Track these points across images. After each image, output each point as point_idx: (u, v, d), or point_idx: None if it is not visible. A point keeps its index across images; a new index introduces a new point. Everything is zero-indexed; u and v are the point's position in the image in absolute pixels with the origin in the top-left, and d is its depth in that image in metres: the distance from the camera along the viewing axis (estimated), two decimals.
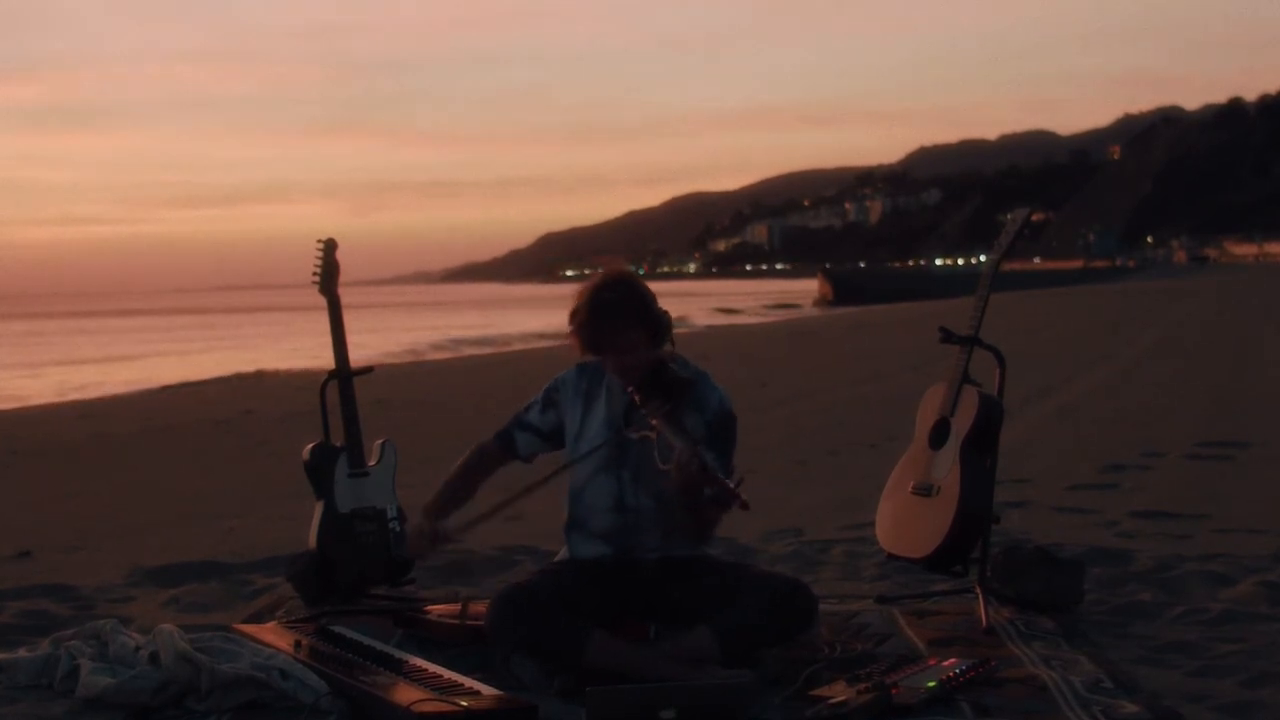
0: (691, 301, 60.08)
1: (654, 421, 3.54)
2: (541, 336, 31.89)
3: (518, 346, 28.50)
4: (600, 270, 3.76)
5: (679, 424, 3.53)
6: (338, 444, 4.47)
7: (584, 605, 3.57)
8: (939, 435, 4.17)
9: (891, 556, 4.28)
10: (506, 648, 3.53)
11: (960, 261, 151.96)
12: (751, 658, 3.49)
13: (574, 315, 3.68)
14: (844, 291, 73.41)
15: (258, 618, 4.27)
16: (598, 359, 3.71)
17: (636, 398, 3.60)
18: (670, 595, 3.66)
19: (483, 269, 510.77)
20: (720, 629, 3.48)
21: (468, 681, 3.27)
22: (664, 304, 3.73)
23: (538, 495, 3.74)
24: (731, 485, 3.36)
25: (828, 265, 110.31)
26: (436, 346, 31.58)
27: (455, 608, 4.02)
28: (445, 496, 3.86)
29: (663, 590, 3.67)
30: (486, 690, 3.21)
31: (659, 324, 3.68)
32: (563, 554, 3.86)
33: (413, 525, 3.85)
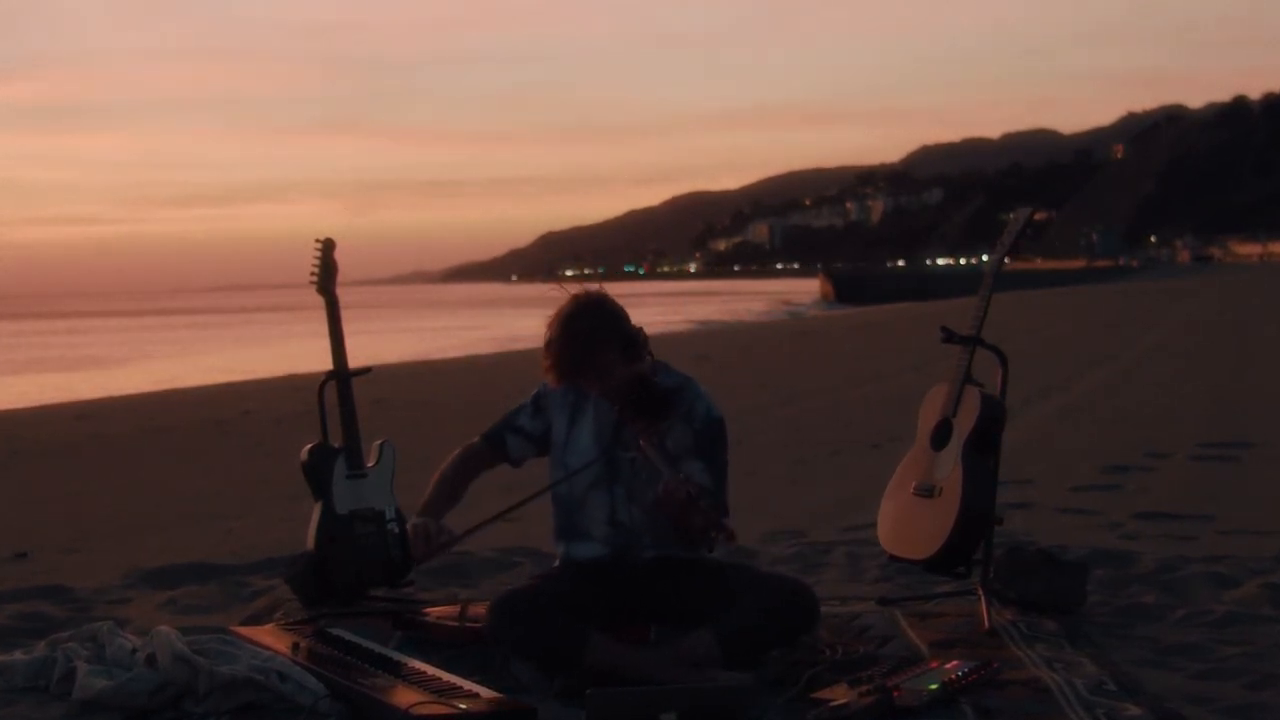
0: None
1: (641, 442, 3.55)
2: None
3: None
4: (569, 298, 3.72)
5: (663, 447, 3.54)
6: (336, 445, 4.46)
7: (584, 607, 3.57)
8: (941, 436, 4.15)
9: (893, 558, 4.26)
10: (506, 651, 3.51)
11: (963, 261, 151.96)
12: (753, 660, 3.47)
13: (548, 346, 3.68)
14: (845, 291, 73.49)
15: (256, 619, 4.25)
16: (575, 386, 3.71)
17: (625, 417, 3.61)
18: (669, 595, 3.65)
19: (483, 268, 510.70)
20: (721, 631, 3.47)
21: (467, 684, 3.26)
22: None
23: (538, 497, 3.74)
24: (718, 517, 3.37)
25: (836, 264, 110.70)
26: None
27: (454, 609, 4.01)
28: (438, 498, 3.84)
29: (661, 589, 3.66)
30: (486, 692, 3.20)
31: (633, 342, 3.68)
32: (557, 563, 3.86)
33: (414, 526, 3.79)
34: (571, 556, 3.78)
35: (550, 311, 3.73)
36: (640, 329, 3.73)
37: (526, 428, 3.87)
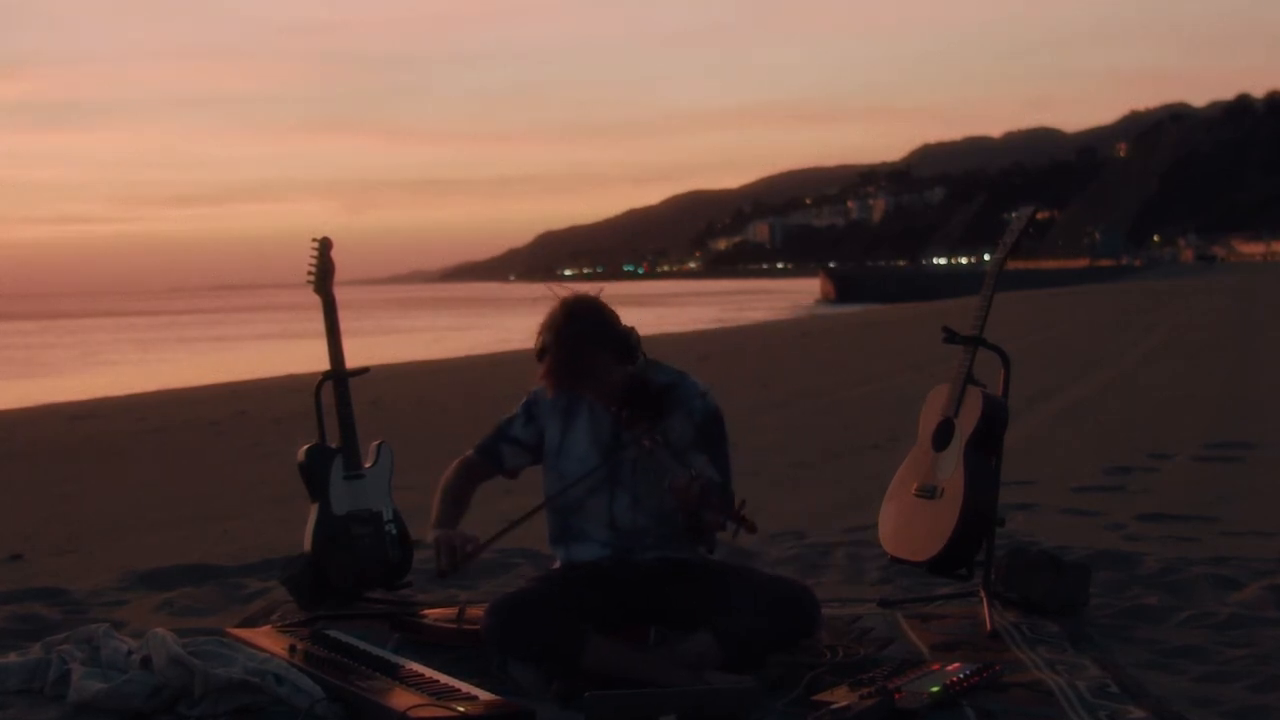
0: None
1: (646, 442, 3.53)
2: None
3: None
4: (558, 304, 3.67)
5: (668, 445, 3.52)
6: (333, 445, 4.43)
7: (583, 608, 3.54)
8: (943, 436, 4.12)
9: (895, 559, 4.23)
10: (504, 654, 3.49)
11: (964, 260, 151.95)
12: (754, 663, 3.44)
13: (542, 354, 3.64)
14: (846, 290, 73.57)
15: (252, 622, 4.23)
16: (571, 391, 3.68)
17: (624, 419, 3.59)
18: (670, 597, 3.63)
19: (480, 268, 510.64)
20: (722, 633, 3.45)
21: (465, 686, 3.24)
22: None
23: (538, 499, 3.72)
24: (735, 510, 3.35)
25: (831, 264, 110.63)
26: None
27: (452, 612, 3.99)
28: (448, 510, 3.77)
29: (661, 590, 3.64)
30: (483, 695, 3.19)
31: (626, 343, 3.65)
32: (557, 565, 3.83)
33: (437, 538, 3.66)
34: (571, 559, 3.75)
35: (543, 315, 3.68)
36: (632, 329, 3.69)
37: (520, 437, 3.81)
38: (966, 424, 4.07)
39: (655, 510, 3.66)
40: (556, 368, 3.61)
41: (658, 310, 50.77)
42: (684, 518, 3.48)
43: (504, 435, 3.82)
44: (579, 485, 3.68)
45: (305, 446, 4.43)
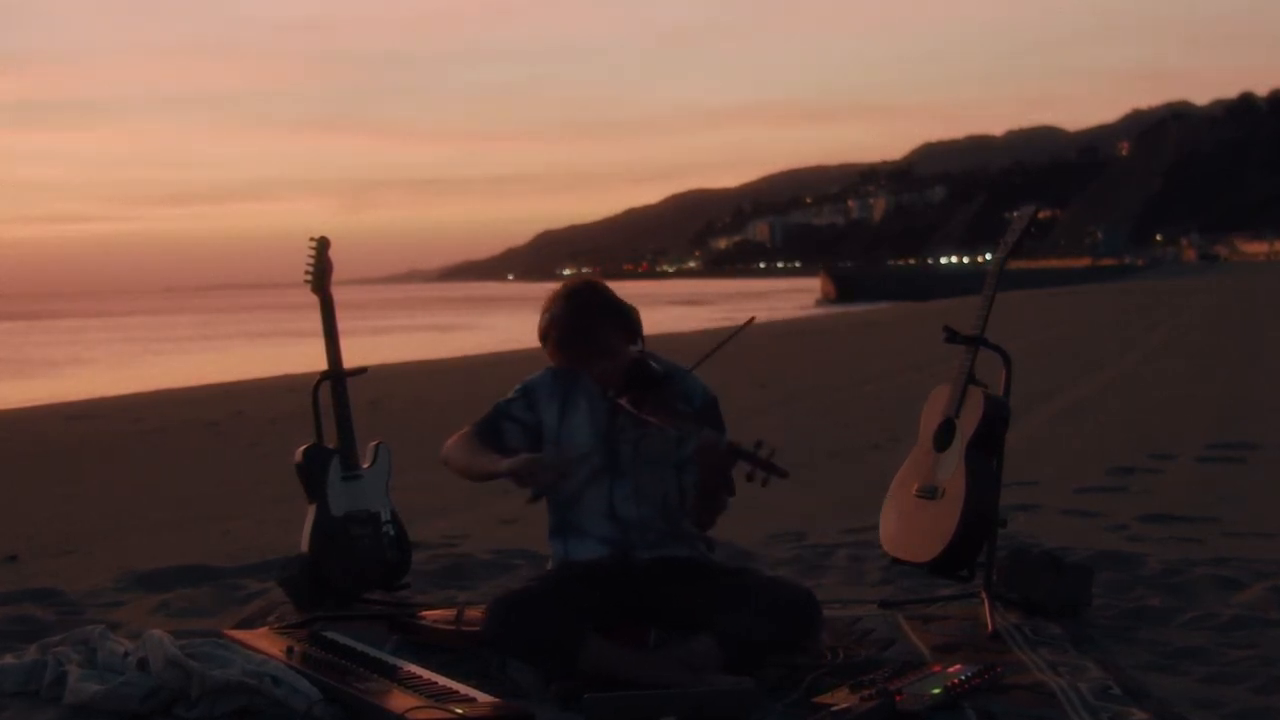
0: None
1: (653, 419, 3.51)
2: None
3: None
4: (562, 284, 3.73)
5: (678, 411, 3.52)
6: (331, 446, 4.41)
7: (582, 608, 3.52)
8: (944, 437, 4.10)
9: (895, 561, 4.22)
10: (502, 653, 3.48)
11: (966, 260, 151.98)
12: (754, 666, 3.42)
13: (550, 329, 3.67)
14: (847, 290, 73.64)
15: (249, 623, 4.21)
16: (577, 368, 3.68)
17: (624, 401, 3.58)
18: (669, 597, 3.61)
19: (479, 268, 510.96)
20: (723, 636, 3.43)
21: (463, 688, 3.23)
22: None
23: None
24: (764, 458, 3.31)
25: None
26: None
27: (451, 613, 3.97)
28: (489, 456, 3.61)
29: (662, 592, 3.62)
30: (482, 697, 3.17)
31: (630, 318, 3.68)
32: (551, 563, 3.81)
33: (531, 459, 3.46)
34: (570, 557, 3.72)
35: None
36: (634, 308, 3.71)
37: (521, 417, 3.74)
38: (968, 424, 4.05)
39: (658, 499, 3.66)
40: (565, 335, 3.62)
41: (659, 313, 50.71)
42: (704, 483, 3.45)
43: (505, 413, 3.73)
44: (582, 462, 3.63)
45: (303, 447, 4.41)
